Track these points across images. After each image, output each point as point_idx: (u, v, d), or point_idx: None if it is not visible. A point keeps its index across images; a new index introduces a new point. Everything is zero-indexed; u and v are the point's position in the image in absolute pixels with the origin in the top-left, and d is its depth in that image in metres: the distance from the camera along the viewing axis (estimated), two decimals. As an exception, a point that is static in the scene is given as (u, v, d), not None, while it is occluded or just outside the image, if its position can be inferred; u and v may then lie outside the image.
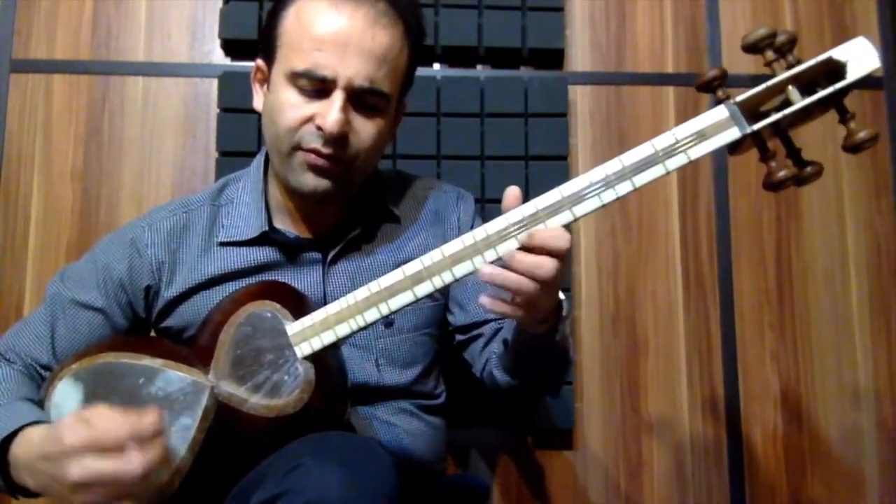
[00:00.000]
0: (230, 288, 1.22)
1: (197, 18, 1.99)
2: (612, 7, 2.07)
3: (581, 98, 2.02)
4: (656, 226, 1.98)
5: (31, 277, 1.87)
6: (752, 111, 0.93)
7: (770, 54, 0.92)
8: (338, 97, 1.10)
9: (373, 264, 1.27)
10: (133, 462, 0.89)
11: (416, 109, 1.78)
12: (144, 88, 1.95)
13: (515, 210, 0.97)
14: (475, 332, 1.35)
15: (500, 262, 0.97)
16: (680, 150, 0.93)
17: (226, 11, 1.94)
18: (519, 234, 0.96)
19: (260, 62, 1.23)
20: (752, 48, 0.92)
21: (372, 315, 1.02)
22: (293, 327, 1.05)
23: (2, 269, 1.87)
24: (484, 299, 0.99)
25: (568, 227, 0.96)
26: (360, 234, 1.27)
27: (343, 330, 1.04)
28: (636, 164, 0.94)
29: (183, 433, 1.01)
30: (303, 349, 1.05)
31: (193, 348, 1.12)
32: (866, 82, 0.89)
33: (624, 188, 0.94)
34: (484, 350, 1.34)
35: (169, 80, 1.96)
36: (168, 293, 1.24)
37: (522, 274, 0.95)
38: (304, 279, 1.24)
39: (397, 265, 1.02)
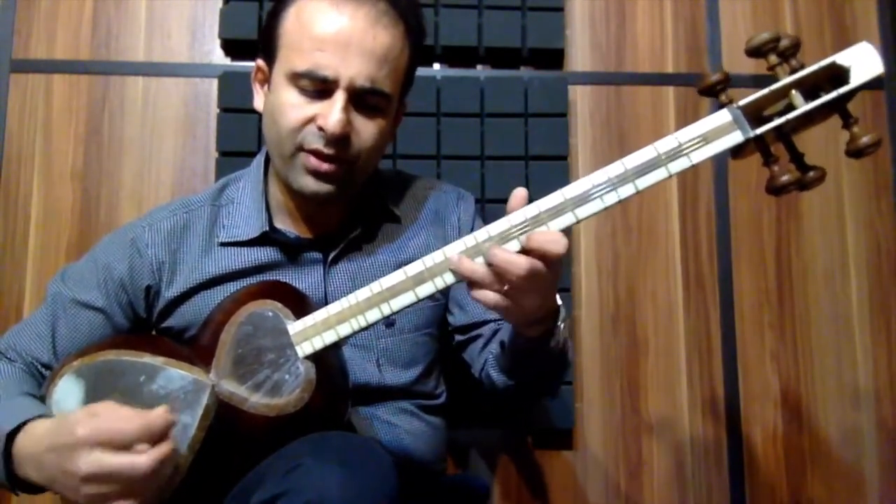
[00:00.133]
0: (231, 288, 1.22)
1: (197, 18, 1.99)
2: (612, 7, 2.07)
3: (581, 98, 2.02)
4: (656, 226, 1.98)
5: (31, 277, 1.87)
6: (755, 115, 0.93)
7: (773, 58, 0.92)
8: (339, 97, 1.10)
9: (373, 264, 1.27)
10: (143, 459, 0.90)
11: (416, 109, 1.78)
12: (144, 88, 1.95)
13: (518, 212, 0.97)
14: (474, 333, 1.35)
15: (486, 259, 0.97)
16: (683, 153, 0.93)
17: (226, 11, 1.94)
18: (520, 235, 0.97)
19: (260, 62, 1.23)
20: (755, 52, 0.92)
21: (373, 315, 1.02)
22: (295, 326, 1.05)
23: (2, 269, 1.87)
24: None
25: (569, 228, 0.96)
26: (361, 234, 1.27)
27: (345, 330, 1.04)
28: (639, 166, 0.94)
29: (183, 432, 1.01)
30: (304, 348, 1.05)
31: (194, 347, 1.12)
32: (867, 83, 0.89)
33: (626, 191, 0.95)
34: (482, 351, 1.34)
35: (169, 80, 1.96)
36: (168, 293, 1.24)
37: (499, 271, 0.94)
38: (304, 279, 1.24)
39: (398, 265, 1.02)
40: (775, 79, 0.92)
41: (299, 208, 1.26)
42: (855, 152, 0.91)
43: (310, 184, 1.15)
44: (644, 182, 0.94)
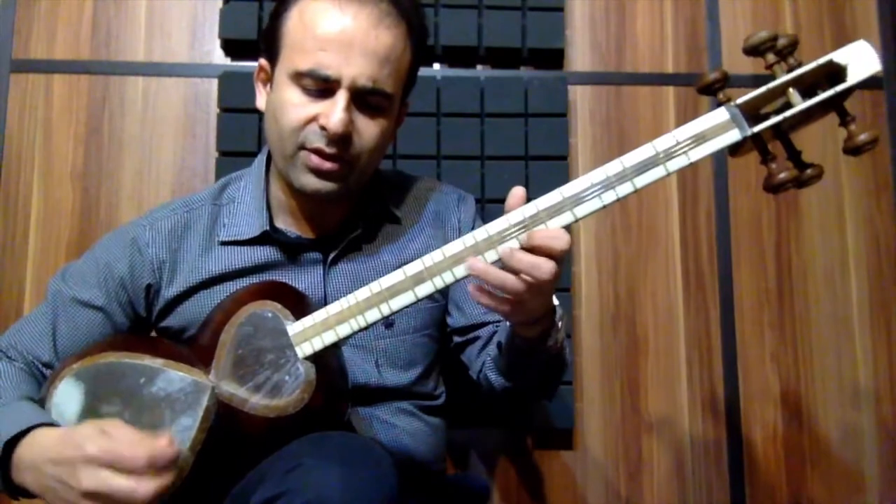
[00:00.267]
0: (231, 287, 1.21)
1: (197, 18, 1.99)
2: (612, 7, 2.07)
3: (581, 98, 2.03)
4: (656, 226, 1.98)
5: (31, 277, 1.87)
6: (752, 113, 0.93)
7: (771, 57, 0.92)
8: (341, 97, 1.10)
9: (373, 265, 1.27)
10: (144, 488, 0.90)
11: (416, 109, 1.77)
12: (144, 88, 1.95)
13: (516, 211, 0.97)
14: (473, 335, 1.35)
15: (500, 263, 0.97)
16: (681, 151, 0.93)
17: (226, 11, 1.94)
18: (520, 234, 0.96)
19: (263, 62, 1.23)
20: (753, 51, 0.92)
21: (373, 315, 1.02)
22: (294, 327, 1.05)
23: (2, 269, 1.87)
24: (470, 287, 0.99)
25: (568, 227, 0.96)
26: (361, 235, 1.27)
27: (344, 330, 1.04)
28: (637, 165, 0.94)
29: (184, 433, 1.01)
30: (304, 349, 1.05)
31: (194, 348, 1.12)
32: (866, 83, 0.89)
33: (625, 189, 0.94)
34: (481, 353, 1.34)
35: (169, 80, 1.96)
36: (168, 292, 1.24)
37: (521, 272, 0.95)
38: (304, 279, 1.24)
39: (398, 266, 1.02)
40: (773, 77, 0.92)
41: (300, 208, 1.25)
42: (853, 149, 0.91)
43: (311, 182, 1.15)
44: (642, 180, 0.94)
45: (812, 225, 2.01)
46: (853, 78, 0.89)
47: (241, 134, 1.89)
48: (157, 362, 1.05)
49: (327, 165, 1.13)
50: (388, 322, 1.27)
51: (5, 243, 1.88)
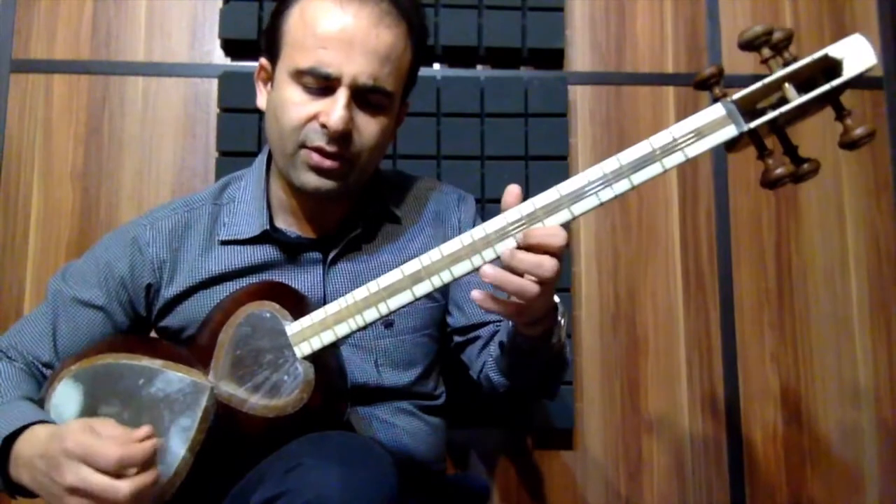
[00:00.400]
0: (230, 287, 1.22)
1: (197, 18, 1.99)
2: (612, 7, 2.07)
3: (581, 98, 2.03)
4: (656, 225, 1.98)
5: (31, 277, 1.88)
6: (749, 109, 0.93)
7: (766, 51, 0.92)
8: (342, 95, 1.11)
9: (373, 265, 1.27)
10: (123, 486, 0.90)
11: (416, 109, 1.77)
12: (144, 88, 1.96)
13: (514, 209, 0.97)
14: (473, 335, 1.35)
15: (499, 262, 0.97)
16: (677, 148, 0.93)
17: (226, 11, 1.94)
18: (517, 233, 0.96)
19: (263, 61, 1.23)
20: (748, 45, 0.92)
21: (371, 315, 1.02)
22: (293, 327, 1.05)
23: (2, 269, 1.87)
24: (475, 294, 0.99)
25: (567, 225, 0.96)
26: (361, 234, 1.27)
27: (342, 330, 1.04)
28: (634, 162, 0.94)
29: (183, 434, 1.01)
30: (302, 349, 1.05)
31: (193, 348, 1.12)
32: (866, 82, 0.89)
33: (622, 186, 0.94)
34: (481, 352, 1.33)
35: (169, 80, 1.96)
36: (168, 292, 1.24)
37: (523, 272, 0.95)
38: (304, 279, 1.24)
39: (398, 266, 1.02)
40: (769, 72, 0.92)
41: (301, 207, 1.26)
42: (849, 144, 0.91)
43: (311, 180, 1.15)
44: (639, 177, 0.94)
45: (812, 225, 2.01)
46: (849, 72, 0.89)
47: (241, 134, 1.89)
48: (155, 363, 1.05)
49: (327, 163, 1.13)
50: (387, 322, 1.27)
51: (5, 243, 1.88)
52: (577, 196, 0.96)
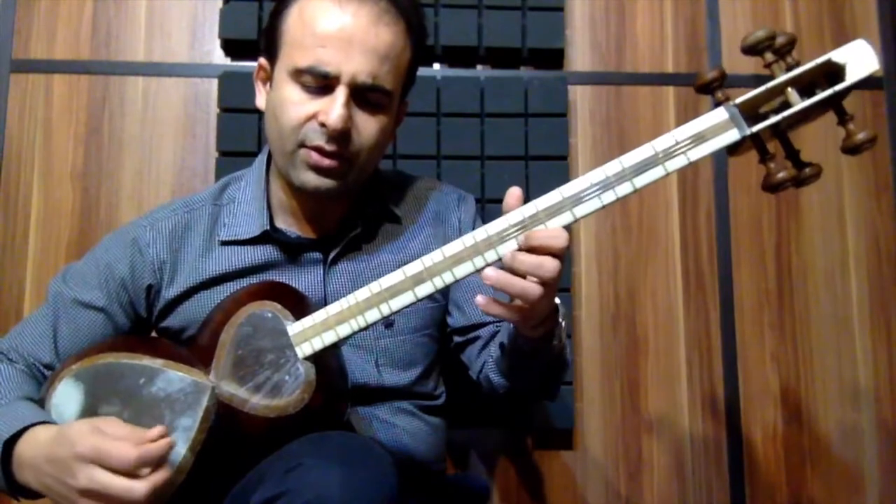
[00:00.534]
0: (231, 287, 1.22)
1: (197, 18, 1.99)
2: (612, 7, 2.07)
3: (581, 98, 2.03)
4: (656, 226, 1.98)
5: (31, 277, 1.87)
6: (751, 113, 0.93)
7: (769, 56, 0.92)
8: (341, 93, 1.11)
9: (373, 264, 1.27)
10: (140, 486, 0.91)
11: (416, 109, 1.77)
12: (144, 88, 1.95)
13: (516, 211, 0.97)
14: (473, 335, 1.35)
15: (500, 264, 0.97)
16: (680, 151, 0.93)
17: (226, 11, 1.94)
18: (519, 234, 0.97)
19: (263, 61, 1.23)
20: (751, 50, 0.92)
21: (373, 315, 1.02)
22: (294, 327, 1.05)
23: (2, 269, 1.87)
24: (479, 299, 0.99)
25: (567, 227, 0.96)
26: (361, 234, 1.27)
27: (344, 330, 1.04)
28: (636, 165, 0.94)
29: (184, 433, 1.01)
30: (304, 349, 1.05)
31: (194, 348, 1.12)
32: (866, 83, 0.89)
33: (624, 189, 0.95)
34: (481, 353, 1.34)
35: (169, 80, 1.96)
36: (169, 293, 1.24)
37: (525, 274, 0.95)
38: (304, 279, 1.24)
39: (398, 266, 1.02)
40: (772, 76, 0.92)
41: (301, 207, 1.26)
42: (851, 149, 0.91)
43: (311, 179, 1.15)
44: (642, 180, 0.94)
45: (812, 225, 2.01)
46: (851, 77, 0.89)
47: (241, 134, 1.89)
48: (156, 363, 1.05)
49: (326, 162, 1.13)
50: (388, 322, 1.27)
51: (5, 243, 1.88)
52: (579, 198, 0.96)
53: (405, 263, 1.01)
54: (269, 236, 1.24)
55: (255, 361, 1.06)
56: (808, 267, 1.99)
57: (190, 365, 1.06)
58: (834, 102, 0.91)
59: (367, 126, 1.15)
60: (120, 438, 0.93)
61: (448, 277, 0.99)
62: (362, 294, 1.03)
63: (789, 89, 0.92)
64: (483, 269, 0.97)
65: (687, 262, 1.98)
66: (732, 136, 0.93)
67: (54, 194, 1.90)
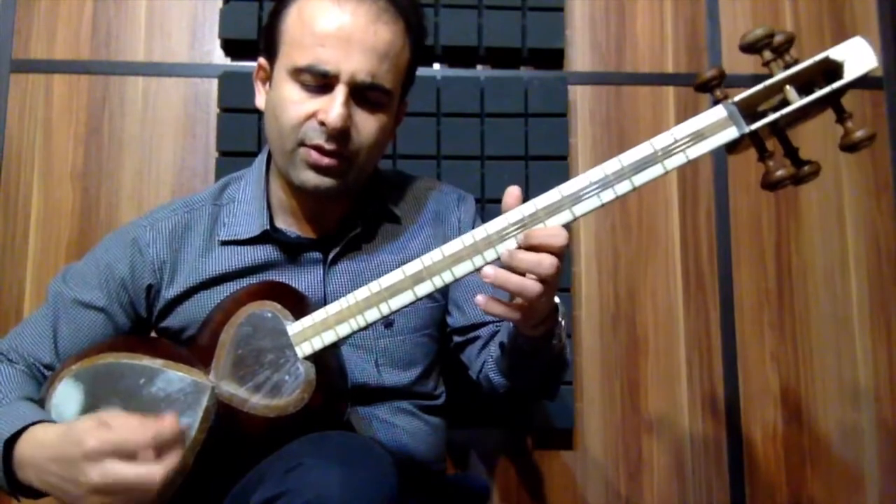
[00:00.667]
0: (231, 287, 1.22)
1: (197, 18, 1.99)
2: (612, 7, 2.07)
3: (581, 98, 2.03)
4: (656, 226, 1.98)
5: (31, 277, 1.87)
6: (750, 111, 0.93)
7: (768, 54, 0.92)
8: (340, 92, 1.11)
9: (373, 264, 1.27)
10: (155, 470, 0.90)
11: (416, 109, 1.78)
12: (144, 88, 1.95)
13: (515, 210, 0.97)
14: (473, 335, 1.35)
15: (499, 263, 0.97)
16: (679, 149, 0.93)
17: (226, 11, 1.94)
18: (518, 233, 0.97)
19: (262, 60, 1.23)
20: (749, 48, 0.92)
21: (372, 315, 1.02)
22: (294, 327, 1.05)
23: (2, 269, 1.87)
24: (479, 298, 0.99)
25: (567, 226, 0.96)
26: (361, 234, 1.27)
27: (344, 330, 1.04)
28: (635, 163, 0.94)
29: (184, 433, 1.01)
30: (303, 349, 1.05)
31: (194, 348, 1.12)
32: (866, 82, 0.89)
33: (623, 188, 0.95)
34: (481, 353, 1.34)
35: (169, 80, 1.96)
36: (169, 293, 1.24)
37: (524, 272, 0.95)
38: (304, 279, 1.24)
39: (398, 265, 1.02)
40: (770, 75, 0.92)
41: (300, 207, 1.26)
42: (849, 146, 0.91)
43: (311, 178, 1.15)
44: (641, 179, 0.94)
45: (812, 225, 2.01)
46: (850, 75, 0.89)
47: (241, 134, 1.89)
48: (156, 363, 1.05)
49: (326, 161, 1.13)
50: (387, 322, 1.27)
51: (5, 243, 1.88)
52: (579, 197, 0.96)
53: (405, 263, 1.02)
54: (269, 236, 1.24)
55: (254, 361, 1.06)
56: (808, 267, 1.99)
57: (190, 365, 1.06)
58: (832, 100, 0.91)
59: (367, 125, 1.16)
60: (130, 427, 0.92)
61: (447, 277, 0.99)
62: (362, 294, 1.03)
63: (788, 87, 0.92)
64: (482, 267, 0.97)
65: (687, 262, 1.98)
66: (731, 133, 0.93)
67: (54, 194, 1.90)
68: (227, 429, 1.04)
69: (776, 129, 0.94)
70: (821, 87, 0.90)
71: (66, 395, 1.05)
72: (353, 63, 1.11)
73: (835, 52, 0.90)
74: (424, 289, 1.00)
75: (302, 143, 1.14)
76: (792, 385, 1.95)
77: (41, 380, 1.19)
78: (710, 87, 0.95)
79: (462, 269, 0.99)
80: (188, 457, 1.00)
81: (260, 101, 1.25)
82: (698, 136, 0.93)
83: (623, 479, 1.90)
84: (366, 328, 1.04)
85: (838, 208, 2.01)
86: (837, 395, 1.95)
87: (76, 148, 1.92)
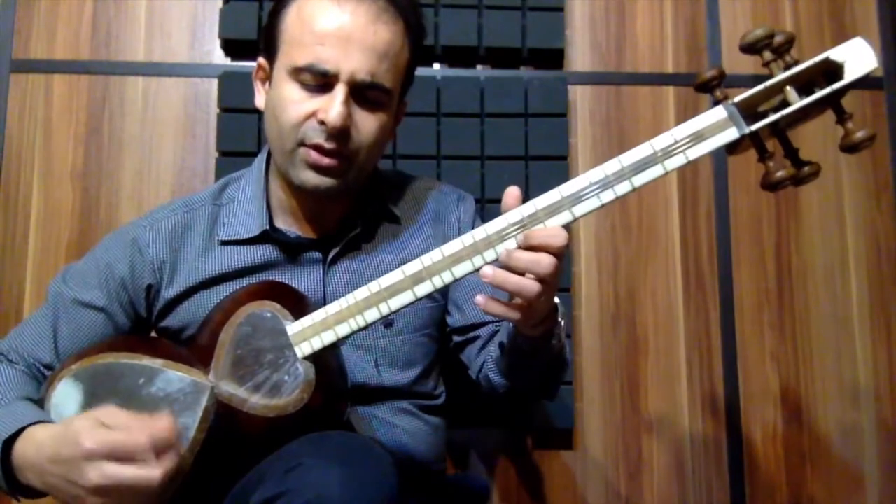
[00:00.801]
0: (230, 287, 1.22)
1: (197, 18, 1.99)
2: (612, 7, 2.07)
3: (581, 98, 2.03)
4: (656, 226, 1.98)
5: (31, 277, 1.87)
6: (750, 111, 0.93)
7: (768, 55, 0.92)
8: (340, 91, 1.11)
9: (373, 264, 1.27)
10: (156, 473, 0.90)
11: (416, 109, 1.78)
12: (144, 88, 1.95)
13: (515, 210, 0.97)
14: (472, 335, 1.35)
15: (498, 262, 0.97)
16: (678, 150, 0.93)
17: (226, 11, 1.94)
18: (518, 234, 0.97)
19: (262, 60, 1.23)
20: (749, 49, 0.92)
21: (372, 315, 1.03)
22: (293, 327, 1.05)
23: (2, 269, 1.87)
24: (479, 298, 0.99)
25: (567, 226, 0.96)
26: (360, 234, 1.27)
27: (343, 330, 1.04)
28: (635, 164, 0.94)
29: (183, 433, 1.01)
30: (303, 349, 1.05)
31: (193, 348, 1.12)
32: (866, 83, 0.89)
33: (623, 188, 0.95)
34: (480, 353, 1.34)
35: (169, 80, 1.96)
36: (168, 293, 1.24)
37: (522, 271, 0.95)
38: (304, 279, 1.24)
39: (397, 265, 1.02)
40: (770, 75, 0.92)
41: (300, 207, 1.26)
42: (849, 147, 0.91)
43: (311, 178, 1.15)
44: (640, 179, 0.94)
45: (812, 225, 2.01)
46: (850, 75, 0.89)
47: (241, 134, 1.89)
48: (156, 363, 1.05)
49: (326, 161, 1.13)
50: (387, 321, 1.27)
51: (5, 243, 1.88)
52: (579, 197, 0.96)
53: (404, 263, 1.02)
54: (269, 236, 1.24)
55: (254, 361, 1.06)
56: (808, 266, 1.99)
57: (189, 365, 1.06)
58: (832, 101, 0.91)
59: (367, 124, 1.16)
60: (126, 427, 0.92)
61: (447, 277, 0.99)
62: (361, 294, 1.03)
63: (788, 88, 0.92)
64: (482, 268, 0.98)
65: (687, 262, 1.98)
66: (731, 134, 0.93)
67: (54, 194, 1.90)
68: (226, 429, 1.04)
69: (776, 129, 0.94)
70: (821, 88, 0.90)
71: (66, 394, 1.05)
72: (353, 62, 1.11)
73: (835, 53, 0.90)
74: (424, 289, 1.00)
75: (302, 143, 1.14)
76: (792, 385, 1.95)
77: (41, 380, 1.19)
78: (710, 87, 0.95)
79: (461, 270, 0.99)
80: (188, 457, 1.01)
81: (260, 100, 1.25)
82: (698, 137, 0.93)
83: (623, 479, 1.90)
84: (365, 328, 1.04)
85: (838, 208, 2.01)
86: (837, 395, 1.95)
87: (76, 148, 1.92)
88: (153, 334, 1.30)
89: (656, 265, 1.97)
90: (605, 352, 1.93)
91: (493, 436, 1.89)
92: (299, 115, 1.13)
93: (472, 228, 1.01)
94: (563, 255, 0.97)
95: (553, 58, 2.02)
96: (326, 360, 1.07)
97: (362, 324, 1.03)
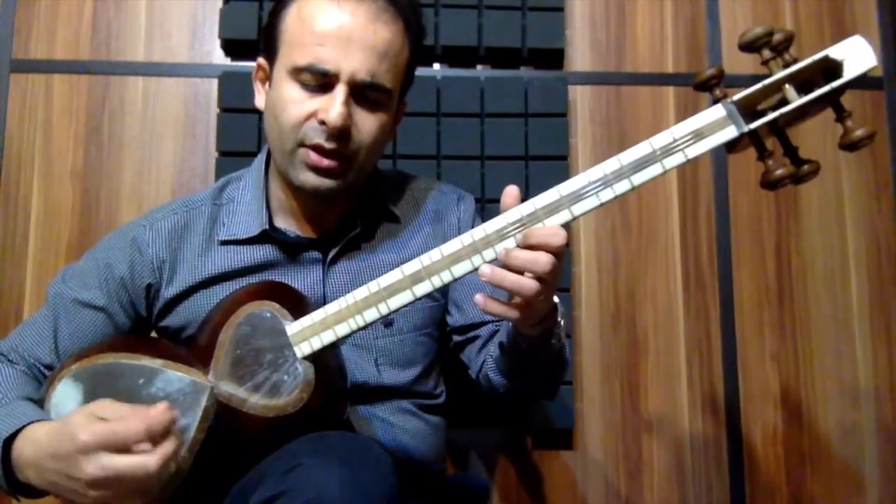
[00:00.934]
0: (230, 287, 1.22)
1: (197, 18, 1.99)
2: (612, 7, 2.07)
3: (581, 98, 2.02)
4: (656, 226, 1.98)
5: (31, 277, 1.87)
6: (749, 110, 0.93)
7: (767, 53, 0.92)
8: (340, 91, 1.11)
9: (372, 264, 1.27)
10: (152, 460, 0.90)
11: (416, 109, 1.78)
12: (144, 88, 1.95)
13: (514, 209, 0.97)
14: (472, 334, 1.35)
15: (497, 261, 0.97)
16: (678, 148, 0.93)
17: (226, 11, 1.94)
18: (517, 233, 0.97)
19: (262, 60, 1.23)
20: (748, 47, 0.92)
21: (371, 315, 1.03)
22: (293, 327, 1.05)
23: (2, 269, 1.87)
24: (478, 298, 0.99)
25: (567, 226, 0.96)
26: (360, 233, 1.27)
27: (342, 329, 1.04)
28: (634, 162, 0.94)
29: (183, 433, 1.01)
30: (302, 349, 1.05)
31: (193, 348, 1.12)
32: (866, 82, 0.89)
33: (622, 187, 0.94)
34: (480, 352, 1.34)
35: (169, 80, 1.96)
36: (168, 292, 1.24)
37: (520, 270, 0.95)
38: (304, 278, 1.24)
39: (397, 265, 1.02)
40: (769, 74, 0.92)
41: (300, 207, 1.26)
42: (849, 145, 0.91)
43: (310, 179, 1.15)
44: (639, 178, 0.94)
45: (812, 225, 2.01)
46: (849, 73, 0.89)
47: (241, 134, 1.89)
48: (155, 363, 1.05)
49: (326, 163, 1.13)
50: (387, 321, 1.27)
51: (5, 243, 1.88)
52: (578, 196, 0.96)
53: (404, 263, 1.02)
54: (269, 236, 1.24)
55: (253, 361, 1.06)
56: (808, 266, 1.99)
57: (189, 365, 1.06)
58: (831, 99, 0.91)
59: (367, 124, 1.16)
60: (122, 417, 0.92)
61: (446, 276, 0.99)
62: (361, 293, 1.03)
63: (787, 86, 0.91)
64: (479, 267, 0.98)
65: (687, 262, 1.98)
66: (730, 132, 0.92)
67: (54, 194, 1.90)
68: (226, 429, 1.04)
69: (775, 127, 0.94)
70: (820, 86, 0.90)
71: (66, 394, 1.05)
72: (353, 62, 1.11)
73: (834, 51, 0.90)
74: (423, 288, 1.00)
75: (302, 143, 1.14)
76: (792, 385, 1.95)
77: (41, 380, 1.19)
78: (709, 86, 0.95)
79: (461, 269, 0.99)
80: (187, 457, 1.01)
81: (259, 101, 1.25)
82: (697, 136, 0.93)
83: (623, 479, 1.90)
84: (365, 328, 1.04)
85: (838, 208, 2.01)
86: (837, 395, 1.95)
87: (76, 148, 1.92)
88: (153, 334, 1.30)
89: (656, 265, 1.97)
90: (605, 352, 1.93)
91: (493, 436, 1.89)
92: (299, 116, 1.13)
93: (472, 228, 1.01)
94: (562, 255, 0.97)
95: (553, 58, 2.02)
96: (326, 359, 1.08)
97: (362, 323, 1.03)
